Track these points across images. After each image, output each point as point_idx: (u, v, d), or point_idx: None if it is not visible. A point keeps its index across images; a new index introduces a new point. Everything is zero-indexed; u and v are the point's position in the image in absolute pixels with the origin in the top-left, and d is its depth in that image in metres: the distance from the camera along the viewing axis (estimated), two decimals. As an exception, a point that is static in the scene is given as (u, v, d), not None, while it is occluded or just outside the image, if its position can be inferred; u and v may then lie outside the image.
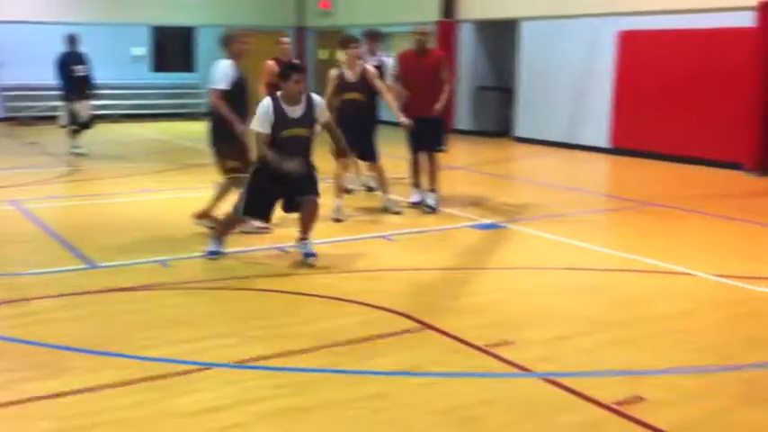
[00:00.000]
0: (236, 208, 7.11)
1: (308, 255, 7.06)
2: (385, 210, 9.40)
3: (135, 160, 13.70)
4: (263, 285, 6.48)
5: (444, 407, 4.30)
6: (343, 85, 9.21)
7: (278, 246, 7.67)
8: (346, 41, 9.24)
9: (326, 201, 9.39)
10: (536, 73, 16.35)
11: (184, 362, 4.84)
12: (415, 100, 9.27)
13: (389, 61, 10.16)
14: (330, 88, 9.24)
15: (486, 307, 6.03)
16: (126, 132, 17.74)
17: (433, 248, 7.90)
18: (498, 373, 4.80)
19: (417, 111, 9.20)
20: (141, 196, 10.37)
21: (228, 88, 7.68)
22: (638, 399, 4.37)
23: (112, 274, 6.74)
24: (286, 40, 10.38)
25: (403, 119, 9.14)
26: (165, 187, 11.04)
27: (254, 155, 7.07)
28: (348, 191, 9.88)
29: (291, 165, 6.73)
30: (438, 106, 9.19)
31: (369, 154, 9.47)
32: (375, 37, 10.41)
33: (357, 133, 8.95)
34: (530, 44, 16.44)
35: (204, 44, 21.81)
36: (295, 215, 7.19)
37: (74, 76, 13.72)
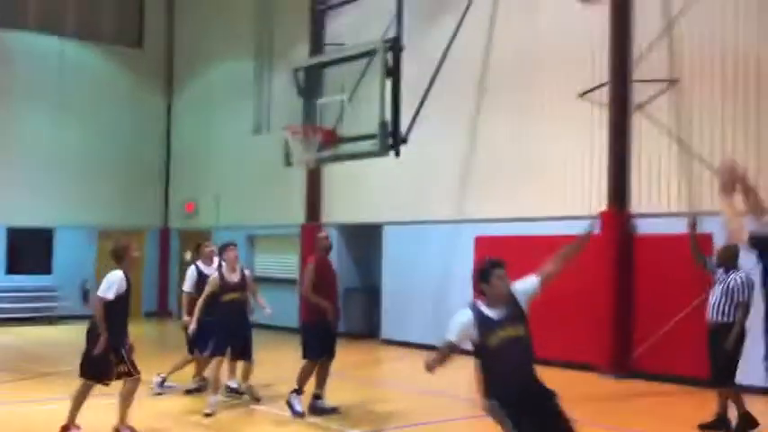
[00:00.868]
0: None
1: None
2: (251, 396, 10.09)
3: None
4: None
5: None
6: (224, 286, 9.83)
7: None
8: (225, 245, 10.15)
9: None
10: (400, 275, 16.70)
11: None
12: (333, 305, 9.50)
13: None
14: (210, 289, 9.91)
15: None
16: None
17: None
18: None
19: (333, 315, 9.46)
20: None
21: (113, 299, 7.99)
22: None
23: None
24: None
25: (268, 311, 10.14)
26: (14, 399, 10.32)
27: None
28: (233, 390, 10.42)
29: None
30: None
31: (247, 353, 9.96)
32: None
33: (236, 332, 9.78)
34: (393, 247, 16.89)
35: (62, 245, 21.32)
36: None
37: None
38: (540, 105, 14.24)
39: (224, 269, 9.99)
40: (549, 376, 13.20)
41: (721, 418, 8.88)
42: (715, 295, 8.88)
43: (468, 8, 14.59)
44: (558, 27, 14.04)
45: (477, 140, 15.29)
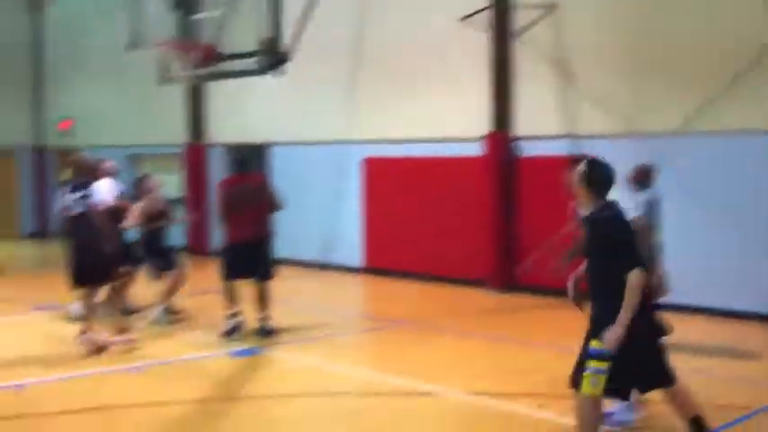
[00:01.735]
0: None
1: None
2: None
3: None
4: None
5: None
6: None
7: (11, 384, 7.03)
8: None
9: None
10: (289, 195, 16.59)
11: None
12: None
13: None
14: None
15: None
16: None
17: (183, 379, 7.59)
18: None
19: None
20: None
21: None
22: None
23: None
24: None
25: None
26: None
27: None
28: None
29: None
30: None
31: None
32: None
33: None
34: (279, 167, 16.76)
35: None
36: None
37: None
38: (425, 26, 14.24)
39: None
40: (437, 291, 13.62)
41: None
42: None
43: None
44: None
45: (363, 59, 15.21)
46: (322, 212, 15.94)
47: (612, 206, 5.14)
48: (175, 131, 18.40)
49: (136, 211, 9.81)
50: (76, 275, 8.44)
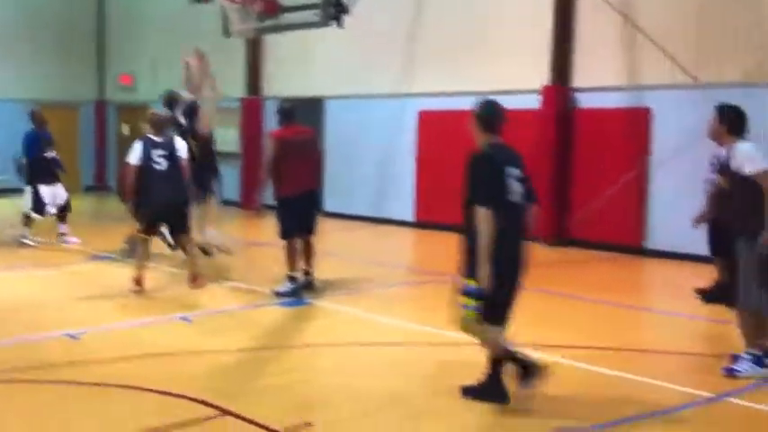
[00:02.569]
0: None
1: None
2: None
3: None
4: (46, 377, 6.04)
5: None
6: None
7: (66, 332, 7.21)
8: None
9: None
10: (342, 149, 16.63)
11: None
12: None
13: None
14: None
15: (287, 388, 5.91)
16: None
17: (234, 329, 7.69)
18: (296, 457, 4.68)
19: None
20: None
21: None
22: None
23: None
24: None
25: None
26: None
27: None
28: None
29: None
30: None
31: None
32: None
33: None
34: (335, 121, 16.75)
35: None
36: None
37: (45, 158, 12.22)
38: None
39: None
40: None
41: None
42: None
43: None
44: None
45: (422, 13, 15.01)
46: (376, 166, 15.92)
47: None
48: (234, 85, 18.47)
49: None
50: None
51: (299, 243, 9.13)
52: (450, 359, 6.76)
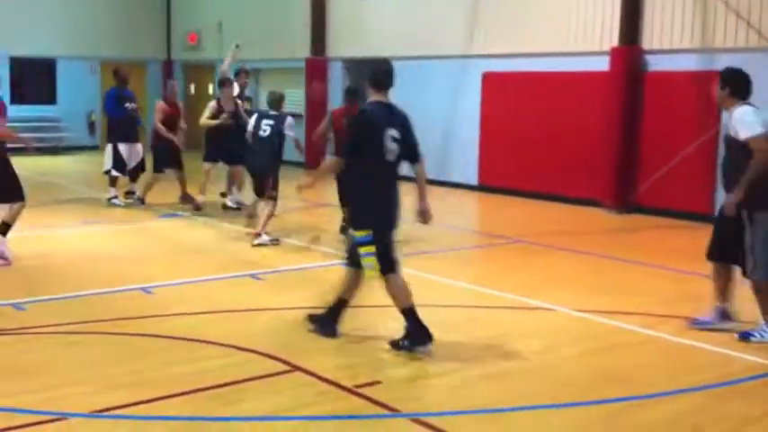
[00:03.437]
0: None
1: None
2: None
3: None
4: (121, 329, 6.23)
5: (311, 452, 4.22)
6: (219, 112, 11.74)
7: (139, 287, 7.41)
8: (223, 81, 12.03)
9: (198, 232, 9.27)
10: (405, 110, 16.56)
11: (38, 412, 4.58)
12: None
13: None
14: (209, 113, 11.78)
15: (353, 346, 6.00)
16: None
17: (301, 287, 7.81)
18: (366, 414, 4.76)
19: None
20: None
21: None
22: (503, 436, 4.42)
23: (-42, 319, 6.34)
24: (175, 82, 12.54)
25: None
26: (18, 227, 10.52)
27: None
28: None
29: None
30: None
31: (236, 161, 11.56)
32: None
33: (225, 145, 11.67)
34: (398, 83, 16.63)
35: (65, 76, 21.14)
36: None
37: (125, 116, 12.39)
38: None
39: (222, 100, 11.84)
40: (553, 210, 13.50)
41: None
42: None
43: None
44: None
45: (488, -28, 14.81)
46: (439, 129, 15.83)
47: None
48: (298, 45, 18.50)
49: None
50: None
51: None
52: (519, 322, 6.77)
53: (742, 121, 6.01)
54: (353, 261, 5.97)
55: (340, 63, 17.96)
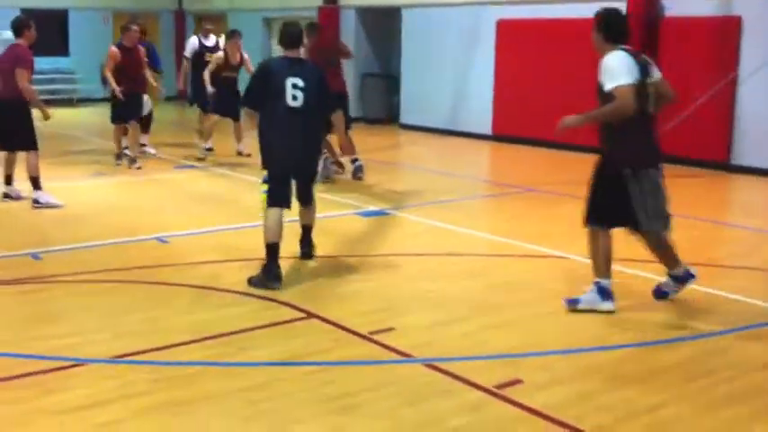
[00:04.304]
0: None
1: None
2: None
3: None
4: (137, 277, 6.30)
5: (325, 395, 4.29)
6: (225, 65, 11.85)
7: (156, 236, 7.47)
8: (232, 33, 12.14)
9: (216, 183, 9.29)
10: (419, 60, 16.48)
11: (57, 358, 4.67)
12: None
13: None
14: (214, 65, 11.84)
15: (368, 294, 6.05)
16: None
17: (317, 236, 7.83)
18: (380, 360, 4.82)
19: None
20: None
21: None
22: (517, 381, 4.47)
23: (-22, 268, 6.43)
24: (135, 28, 11.48)
25: None
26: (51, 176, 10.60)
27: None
28: None
29: None
30: None
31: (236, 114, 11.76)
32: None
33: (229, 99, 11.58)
34: (411, 31, 16.54)
35: (77, 28, 21.05)
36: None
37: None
38: None
39: (228, 52, 11.86)
40: (567, 159, 13.42)
41: None
42: None
43: None
44: None
45: None
46: (452, 78, 15.73)
47: None
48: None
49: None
50: None
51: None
52: (533, 270, 6.79)
53: (608, 70, 5.40)
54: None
55: (353, 12, 17.78)
